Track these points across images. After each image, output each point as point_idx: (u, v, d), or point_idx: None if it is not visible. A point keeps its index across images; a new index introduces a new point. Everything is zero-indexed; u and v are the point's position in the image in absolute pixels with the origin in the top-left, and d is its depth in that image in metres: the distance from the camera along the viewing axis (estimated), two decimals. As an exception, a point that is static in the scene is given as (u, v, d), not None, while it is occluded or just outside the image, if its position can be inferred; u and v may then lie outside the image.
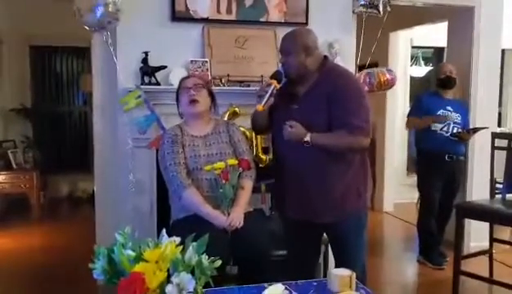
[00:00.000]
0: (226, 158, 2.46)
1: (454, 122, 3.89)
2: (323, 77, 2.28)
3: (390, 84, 3.54)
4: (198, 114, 2.55)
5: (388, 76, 3.47)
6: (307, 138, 2.17)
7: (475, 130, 3.95)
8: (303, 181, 2.27)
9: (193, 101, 2.50)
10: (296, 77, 2.30)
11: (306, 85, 2.29)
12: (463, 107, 4.05)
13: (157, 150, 3.07)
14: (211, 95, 2.61)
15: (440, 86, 3.99)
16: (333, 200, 2.26)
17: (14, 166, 5.52)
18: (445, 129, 3.88)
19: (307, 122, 2.19)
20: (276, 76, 2.33)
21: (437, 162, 3.90)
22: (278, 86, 2.28)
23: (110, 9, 2.93)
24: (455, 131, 3.87)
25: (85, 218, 4.76)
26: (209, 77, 3.14)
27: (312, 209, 2.28)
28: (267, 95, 2.27)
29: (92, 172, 4.68)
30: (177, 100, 2.60)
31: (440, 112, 3.89)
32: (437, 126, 3.89)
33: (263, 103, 2.27)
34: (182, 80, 2.64)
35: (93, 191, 4.33)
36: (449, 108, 3.91)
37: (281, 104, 2.32)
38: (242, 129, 2.84)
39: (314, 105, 2.23)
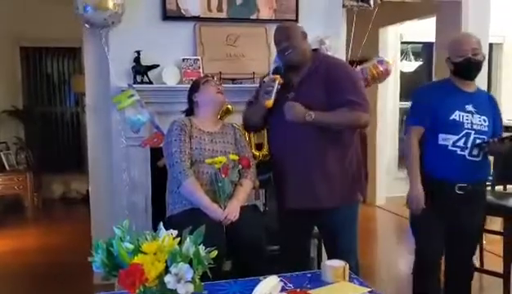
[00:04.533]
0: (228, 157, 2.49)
1: (476, 131, 2.43)
2: (317, 64, 2.37)
3: (385, 75, 3.48)
4: (221, 105, 2.67)
5: (381, 68, 3.43)
6: (309, 116, 2.22)
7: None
8: (304, 168, 2.33)
9: (220, 92, 2.62)
10: (297, 63, 2.36)
11: (300, 73, 2.37)
12: (492, 104, 2.57)
13: (151, 149, 3.12)
14: None
15: (457, 75, 2.51)
16: (334, 184, 2.34)
17: (7, 167, 5.51)
18: (461, 144, 2.42)
19: (304, 107, 2.25)
20: (277, 71, 2.40)
21: (440, 197, 2.45)
22: (282, 81, 2.33)
23: (116, 10, 2.95)
24: (477, 142, 2.41)
25: (79, 219, 4.76)
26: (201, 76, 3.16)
27: (314, 195, 2.33)
28: (274, 89, 2.32)
29: (85, 173, 4.69)
30: (194, 93, 2.63)
31: (455, 115, 2.44)
32: (448, 140, 2.43)
33: (272, 98, 2.32)
34: (198, 78, 2.79)
35: (87, 191, 4.34)
36: (470, 107, 2.46)
37: (277, 97, 2.35)
38: (235, 125, 2.87)
39: (311, 91, 2.31)
